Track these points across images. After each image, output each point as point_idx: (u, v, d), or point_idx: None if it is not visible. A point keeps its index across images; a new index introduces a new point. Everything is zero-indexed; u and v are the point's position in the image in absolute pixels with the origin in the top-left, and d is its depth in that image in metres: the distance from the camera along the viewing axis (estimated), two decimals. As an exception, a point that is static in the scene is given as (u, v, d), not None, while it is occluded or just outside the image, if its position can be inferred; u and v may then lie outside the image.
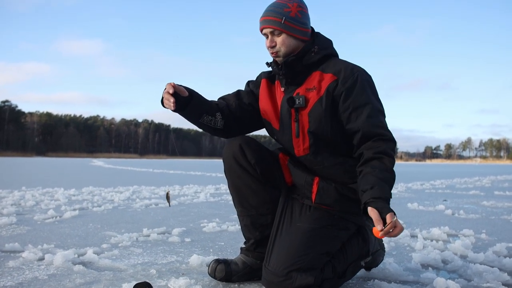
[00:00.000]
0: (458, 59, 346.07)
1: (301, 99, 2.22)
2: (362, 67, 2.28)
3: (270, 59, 2.36)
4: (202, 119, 2.31)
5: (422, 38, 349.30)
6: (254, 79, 2.55)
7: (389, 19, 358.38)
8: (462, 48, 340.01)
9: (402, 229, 1.94)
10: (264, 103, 2.41)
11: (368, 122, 2.14)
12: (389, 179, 2.06)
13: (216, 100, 2.47)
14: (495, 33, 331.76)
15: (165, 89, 2.18)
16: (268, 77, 2.46)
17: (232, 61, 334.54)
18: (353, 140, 2.20)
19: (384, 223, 1.91)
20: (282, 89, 2.34)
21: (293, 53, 2.26)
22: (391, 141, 2.16)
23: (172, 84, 2.17)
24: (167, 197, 2.54)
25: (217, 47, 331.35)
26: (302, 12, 2.26)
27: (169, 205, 2.61)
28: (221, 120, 2.35)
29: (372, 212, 1.95)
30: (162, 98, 2.21)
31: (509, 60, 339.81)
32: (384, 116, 2.22)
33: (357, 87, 2.17)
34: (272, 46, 2.25)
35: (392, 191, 2.08)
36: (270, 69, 2.43)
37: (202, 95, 2.36)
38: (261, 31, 2.29)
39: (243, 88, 2.56)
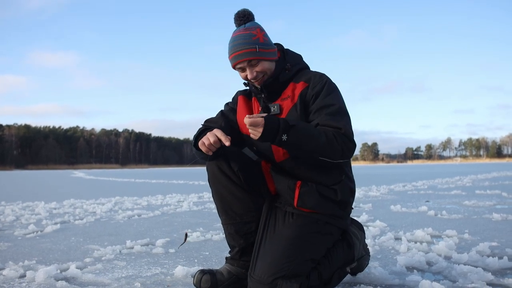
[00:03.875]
0: (430, 61, 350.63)
1: (275, 106, 2.31)
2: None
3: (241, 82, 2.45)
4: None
5: (392, 42, 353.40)
6: (230, 99, 2.60)
7: (355, 24, 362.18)
8: (432, 50, 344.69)
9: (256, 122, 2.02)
10: (242, 118, 2.43)
11: (329, 118, 2.19)
12: (313, 130, 2.10)
13: (204, 124, 2.47)
14: (465, 34, 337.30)
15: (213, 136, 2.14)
16: (245, 94, 2.52)
17: (204, 69, 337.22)
18: None
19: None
20: (261, 108, 2.37)
21: (270, 76, 2.32)
22: (347, 136, 2.16)
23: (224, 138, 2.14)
24: (185, 238, 2.54)
25: (189, 56, 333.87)
26: (266, 35, 2.32)
27: (180, 245, 2.60)
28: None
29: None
30: (197, 138, 2.25)
31: (481, 61, 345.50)
32: (348, 116, 2.26)
33: (325, 90, 2.25)
34: (255, 77, 2.28)
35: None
36: (245, 88, 2.50)
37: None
38: (235, 66, 2.31)
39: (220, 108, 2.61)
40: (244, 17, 2.31)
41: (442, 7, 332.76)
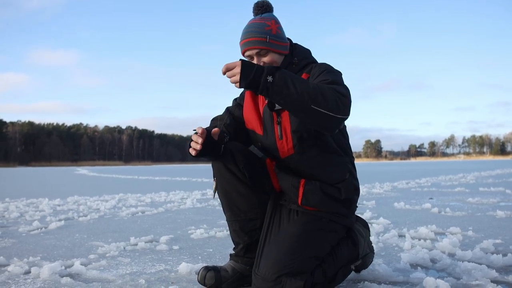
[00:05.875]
0: (428, 58, 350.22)
1: None
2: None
3: None
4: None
5: (390, 40, 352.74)
6: (238, 95, 2.59)
7: (354, 22, 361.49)
8: (431, 47, 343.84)
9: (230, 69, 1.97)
10: (247, 113, 2.43)
11: (323, 80, 2.13)
12: (301, 78, 2.01)
13: (211, 123, 2.50)
14: (463, 32, 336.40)
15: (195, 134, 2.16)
16: None
17: (204, 67, 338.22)
18: None
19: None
20: (266, 100, 2.34)
21: None
22: (340, 91, 2.01)
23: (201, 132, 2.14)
24: (215, 188, 2.42)
25: (189, 55, 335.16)
26: (280, 28, 2.32)
27: (214, 196, 2.50)
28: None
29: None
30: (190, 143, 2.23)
31: (480, 58, 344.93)
32: (347, 90, 2.09)
33: (324, 72, 2.20)
34: None
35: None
36: None
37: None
38: (244, 53, 2.31)
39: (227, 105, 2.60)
40: (262, 7, 2.35)
41: (441, 5, 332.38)
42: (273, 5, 2.38)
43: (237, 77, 1.95)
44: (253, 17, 2.36)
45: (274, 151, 2.33)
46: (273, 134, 2.29)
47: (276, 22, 2.32)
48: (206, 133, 2.14)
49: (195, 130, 2.14)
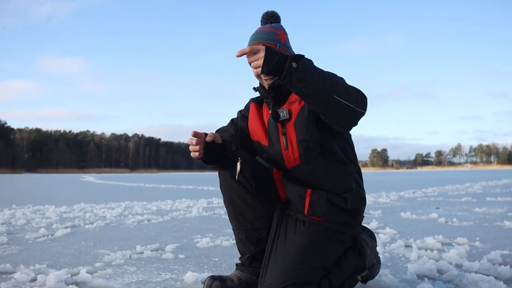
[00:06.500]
0: (434, 67, 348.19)
1: (284, 112, 2.26)
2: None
3: (255, 83, 2.42)
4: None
5: (396, 49, 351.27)
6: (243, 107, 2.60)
7: (359, 31, 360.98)
8: (437, 56, 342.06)
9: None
10: (252, 124, 2.45)
11: None
12: (320, 71, 1.97)
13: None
14: (469, 41, 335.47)
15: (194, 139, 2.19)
16: (256, 102, 2.51)
17: (210, 75, 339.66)
18: None
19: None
20: (270, 111, 2.35)
21: None
22: (360, 91, 2.06)
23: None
24: (240, 170, 2.31)
25: (195, 63, 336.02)
26: (287, 39, 2.35)
27: (237, 175, 2.31)
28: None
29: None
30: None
31: (485, 67, 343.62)
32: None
33: None
34: None
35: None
36: (257, 94, 2.48)
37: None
38: None
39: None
40: (272, 17, 2.38)
41: (446, 14, 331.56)
42: (279, 13, 2.40)
43: (260, 61, 1.90)
44: (261, 26, 2.38)
45: (280, 162, 2.33)
46: (279, 145, 2.29)
47: (285, 33, 2.35)
48: (204, 136, 2.18)
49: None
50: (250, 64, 2.02)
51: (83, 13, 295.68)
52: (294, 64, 1.89)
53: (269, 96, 2.31)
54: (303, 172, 2.28)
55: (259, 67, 1.92)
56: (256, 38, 2.29)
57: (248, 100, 2.59)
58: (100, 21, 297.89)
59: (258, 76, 2.32)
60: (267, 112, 2.39)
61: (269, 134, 2.34)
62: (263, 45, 1.95)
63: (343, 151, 2.29)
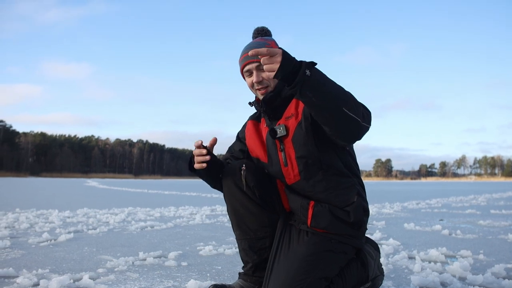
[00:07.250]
0: (440, 79, 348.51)
1: (281, 128, 2.25)
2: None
3: (251, 98, 2.44)
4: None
5: (400, 59, 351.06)
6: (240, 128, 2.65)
7: (363, 41, 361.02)
8: (442, 67, 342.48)
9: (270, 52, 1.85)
10: (250, 142, 2.47)
11: None
12: (331, 82, 1.94)
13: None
14: (475, 53, 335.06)
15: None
16: (254, 118, 2.53)
17: (213, 82, 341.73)
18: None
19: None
20: (265, 125, 2.37)
21: (272, 89, 2.31)
22: (364, 105, 2.06)
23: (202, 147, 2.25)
24: (245, 179, 2.31)
25: (198, 69, 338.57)
26: None
27: (244, 188, 2.32)
28: None
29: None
30: (191, 159, 2.33)
31: (492, 79, 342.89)
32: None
33: None
34: (259, 81, 2.28)
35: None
36: (254, 109, 2.51)
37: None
38: (244, 68, 2.34)
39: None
40: (262, 32, 2.42)
41: (452, 26, 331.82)
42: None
43: (276, 66, 1.84)
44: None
45: (280, 178, 2.33)
46: (278, 162, 2.30)
47: (276, 44, 2.36)
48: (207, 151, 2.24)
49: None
50: (262, 67, 2.01)
51: (88, 19, 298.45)
52: (308, 72, 1.83)
53: (263, 110, 2.33)
54: (304, 188, 2.28)
55: (273, 71, 1.87)
56: (248, 48, 2.32)
57: (247, 119, 2.62)
58: (105, 27, 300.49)
59: (251, 87, 2.34)
60: (264, 129, 2.40)
61: (268, 151, 2.36)
62: (280, 48, 1.91)
63: (345, 163, 2.28)
